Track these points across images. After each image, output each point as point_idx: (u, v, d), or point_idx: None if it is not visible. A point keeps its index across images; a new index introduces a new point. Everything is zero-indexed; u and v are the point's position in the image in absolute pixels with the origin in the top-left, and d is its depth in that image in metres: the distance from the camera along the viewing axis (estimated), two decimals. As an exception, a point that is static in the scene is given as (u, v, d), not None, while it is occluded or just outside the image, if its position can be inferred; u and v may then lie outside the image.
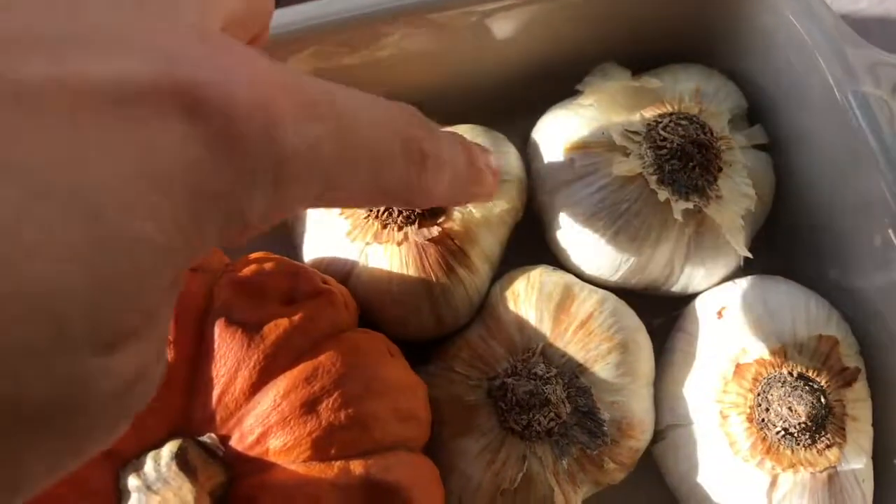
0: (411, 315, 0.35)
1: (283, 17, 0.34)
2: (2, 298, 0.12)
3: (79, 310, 0.13)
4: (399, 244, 0.34)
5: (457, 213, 0.35)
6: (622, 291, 0.37)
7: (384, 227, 0.34)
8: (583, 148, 0.37)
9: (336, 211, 0.35)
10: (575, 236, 0.37)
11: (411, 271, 0.34)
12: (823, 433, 0.33)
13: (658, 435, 0.37)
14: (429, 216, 0.34)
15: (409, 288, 0.34)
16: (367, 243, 0.35)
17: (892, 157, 0.35)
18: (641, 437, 0.35)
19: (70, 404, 0.13)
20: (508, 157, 0.38)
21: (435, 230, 0.34)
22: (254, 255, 0.32)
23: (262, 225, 0.18)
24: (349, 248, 0.35)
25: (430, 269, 0.34)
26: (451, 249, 0.34)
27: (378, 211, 0.34)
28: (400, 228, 0.34)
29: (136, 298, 0.14)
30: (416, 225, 0.34)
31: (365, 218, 0.34)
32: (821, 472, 0.33)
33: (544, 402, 0.33)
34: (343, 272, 0.35)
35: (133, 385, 0.15)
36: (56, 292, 0.12)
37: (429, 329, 0.36)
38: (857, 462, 0.34)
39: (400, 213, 0.34)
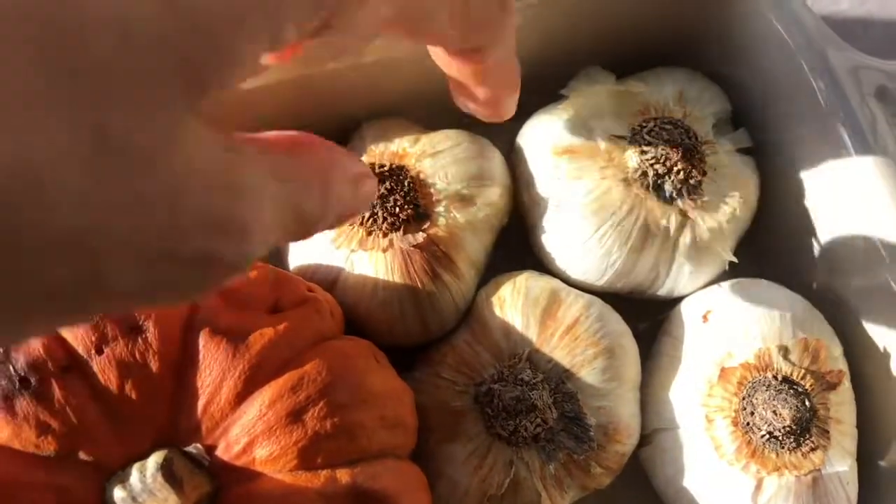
0: (397, 321, 0.35)
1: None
2: (80, 18, 0.11)
3: (158, 35, 0.12)
4: (384, 251, 0.34)
5: (441, 219, 0.35)
6: (608, 295, 0.37)
7: (369, 234, 0.34)
8: (568, 153, 0.37)
9: None
10: (560, 241, 0.37)
11: (397, 278, 0.34)
12: (808, 436, 0.33)
13: (644, 439, 0.37)
14: (413, 222, 0.34)
15: (395, 294, 0.34)
16: (353, 250, 0.34)
17: (875, 161, 0.35)
18: (628, 442, 0.35)
19: (154, 145, 0.12)
20: (493, 163, 0.38)
21: (420, 236, 0.34)
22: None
23: (337, 23, 0.16)
24: (334, 254, 0.35)
25: (415, 276, 0.34)
26: (437, 255, 0.34)
27: (363, 217, 0.34)
28: (385, 235, 0.34)
29: (221, 39, 0.13)
30: (401, 231, 0.34)
31: (350, 225, 0.34)
32: (805, 475, 0.33)
33: (531, 407, 0.33)
34: (329, 279, 0.35)
35: (225, 185, 0.14)
36: (135, 17, 0.12)
37: (415, 335, 0.36)
38: (841, 464, 0.34)
39: (385, 219, 0.34)
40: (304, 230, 0.17)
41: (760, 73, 0.40)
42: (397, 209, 0.34)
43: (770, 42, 0.39)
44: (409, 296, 0.34)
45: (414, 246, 0.34)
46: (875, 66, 0.38)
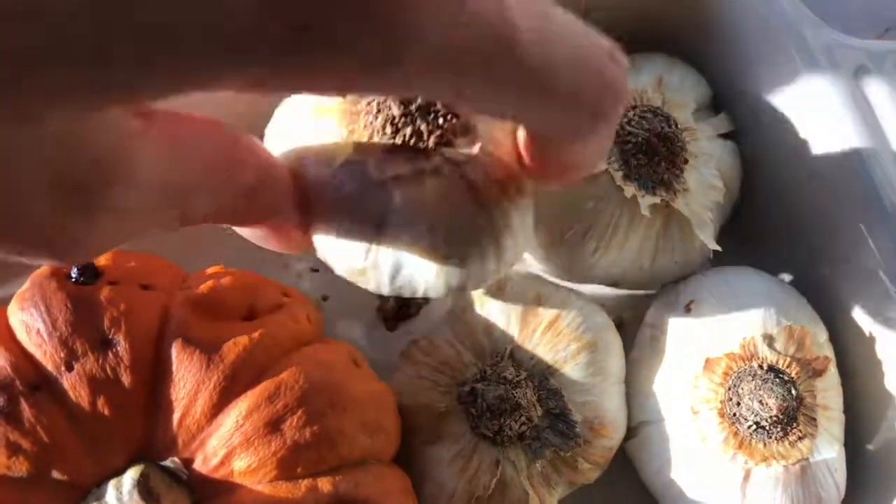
0: (474, 255, 0.24)
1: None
2: None
3: None
4: (433, 173, 0.23)
5: (484, 129, 0.24)
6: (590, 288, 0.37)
7: (410, 157, 0.24)
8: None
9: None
10: (541, 236, 0.36)
11: (452, 204, 0.24)
12: (795, 425, 0.33)
13: (631, 431, 0.36)
14: (460, 133, 0.24)
15: (467, 222, 0.24)
16: (395, 178, 0.23)
17: (855, 143, 0.35)
18: (614, 436, 0.35)
19: None
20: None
21: (476, 148, 0.24)
22: (210, 270, 0.31)
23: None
24: (377, 190, 0.24)
25: (484, 194, 0.24)
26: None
27: (404, 137, 0.23)
28: (429, 157, 0.24)
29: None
30: (451, 145, 0.24)
31: (385, 149, 0.24)
32: (793, 464, 0.33)
33: (515, 406, 0.32)
34: (374, 222, 0.23)
35: None
36: None
37: (488, 272, 0.25)
38: (829, 451, 0.33)
39: (431, 133, 0.24)
40: None
41: (739, 56, 0.40)
42: (440, 120, 0.24)
43: (747, 23, 0.38)
44: (486, 220, 0.24)
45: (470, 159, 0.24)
46: (854, 46, 0.37)
